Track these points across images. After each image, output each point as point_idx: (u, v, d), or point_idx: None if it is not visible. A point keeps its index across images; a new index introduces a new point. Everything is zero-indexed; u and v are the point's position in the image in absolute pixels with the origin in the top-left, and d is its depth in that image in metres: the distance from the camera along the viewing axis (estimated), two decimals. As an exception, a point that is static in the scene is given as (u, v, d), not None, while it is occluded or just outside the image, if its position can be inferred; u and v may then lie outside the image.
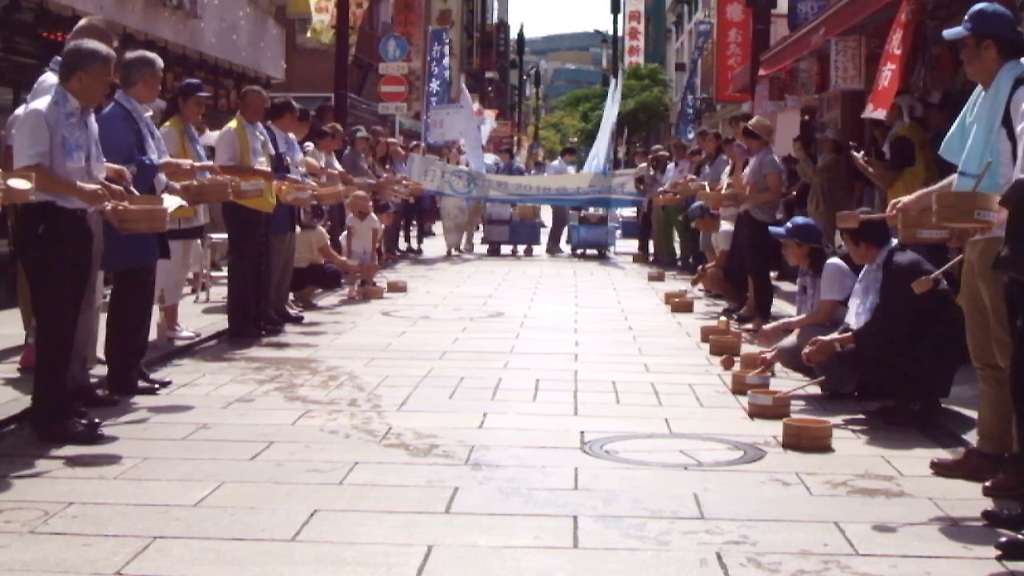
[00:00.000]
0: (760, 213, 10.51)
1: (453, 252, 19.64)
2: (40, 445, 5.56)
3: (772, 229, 8.34)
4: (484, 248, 20.52)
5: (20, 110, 7.62)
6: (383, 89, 26.79)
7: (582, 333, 10.20)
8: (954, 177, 5.04)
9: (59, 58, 6.11)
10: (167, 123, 8.48)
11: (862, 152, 9.56)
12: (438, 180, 19.28)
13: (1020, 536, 4.17)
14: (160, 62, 7.24)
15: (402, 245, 19.45)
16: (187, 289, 10.07)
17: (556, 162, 21.93)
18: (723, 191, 11.54)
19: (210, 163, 8.52)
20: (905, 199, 5.60)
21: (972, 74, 5.06)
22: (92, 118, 5.95)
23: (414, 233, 20.77)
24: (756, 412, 6.60)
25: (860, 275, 6.72)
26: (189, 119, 8.63)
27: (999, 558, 4.11)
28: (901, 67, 9.70)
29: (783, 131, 14.93)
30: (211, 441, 5.80)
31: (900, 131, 9.66)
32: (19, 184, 5.07)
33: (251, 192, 8.76)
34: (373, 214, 13.55)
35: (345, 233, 13.30)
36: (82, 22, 6.80)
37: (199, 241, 10.11)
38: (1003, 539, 4.17)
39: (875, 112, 9.89)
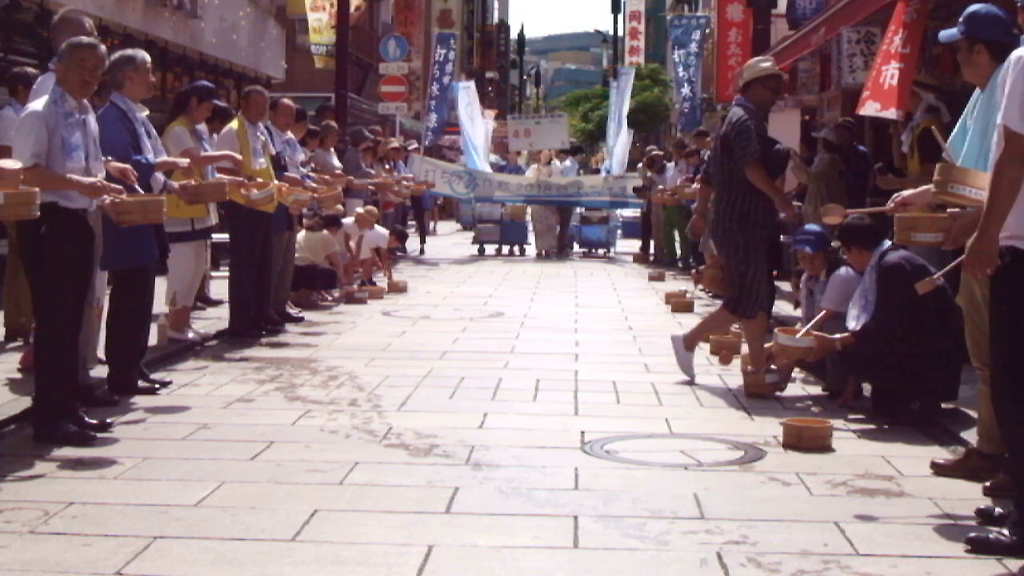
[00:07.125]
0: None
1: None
2: (40, 445, 5.56)
3: (796, 247, 8.10)
4: (474, 248, 20.41)
5: (7, 110, 7.67)
6: (383, 89, 26.78)
7: (582, 333, 10.20)
8: None
9: (58, 58, 6.12)
10: (175, 122, 8.46)
11: (879, 165, 9.49)
12: (439, 180, 19.27)
13: (988, 535, 4.26)
14: (142, 55, 7.13)
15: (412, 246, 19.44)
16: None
17: (568, 162, 21.84)
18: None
19: (229, 152, 8.54)
20: (906, 193, 5.58)
21: (968, 76, 5.06)
22: (91, 116, 5.95)
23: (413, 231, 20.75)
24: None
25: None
26: (196, 120, 8.62)
27: (968, 551, 4.19)
28: (911, 66, 9.66)
29: (783, 131, 14.89)
30: (211, 441, 5.80)
31: (924, 123, 9.36)
32: (7, 164, 5.10)
33: (262, 200, 8.78)
34: (378, 227, 13.52)
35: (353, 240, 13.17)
36: (56, 18, 6.79)
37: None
38: (972, 534, 4.27)
39: (884, 112, 9.83)
